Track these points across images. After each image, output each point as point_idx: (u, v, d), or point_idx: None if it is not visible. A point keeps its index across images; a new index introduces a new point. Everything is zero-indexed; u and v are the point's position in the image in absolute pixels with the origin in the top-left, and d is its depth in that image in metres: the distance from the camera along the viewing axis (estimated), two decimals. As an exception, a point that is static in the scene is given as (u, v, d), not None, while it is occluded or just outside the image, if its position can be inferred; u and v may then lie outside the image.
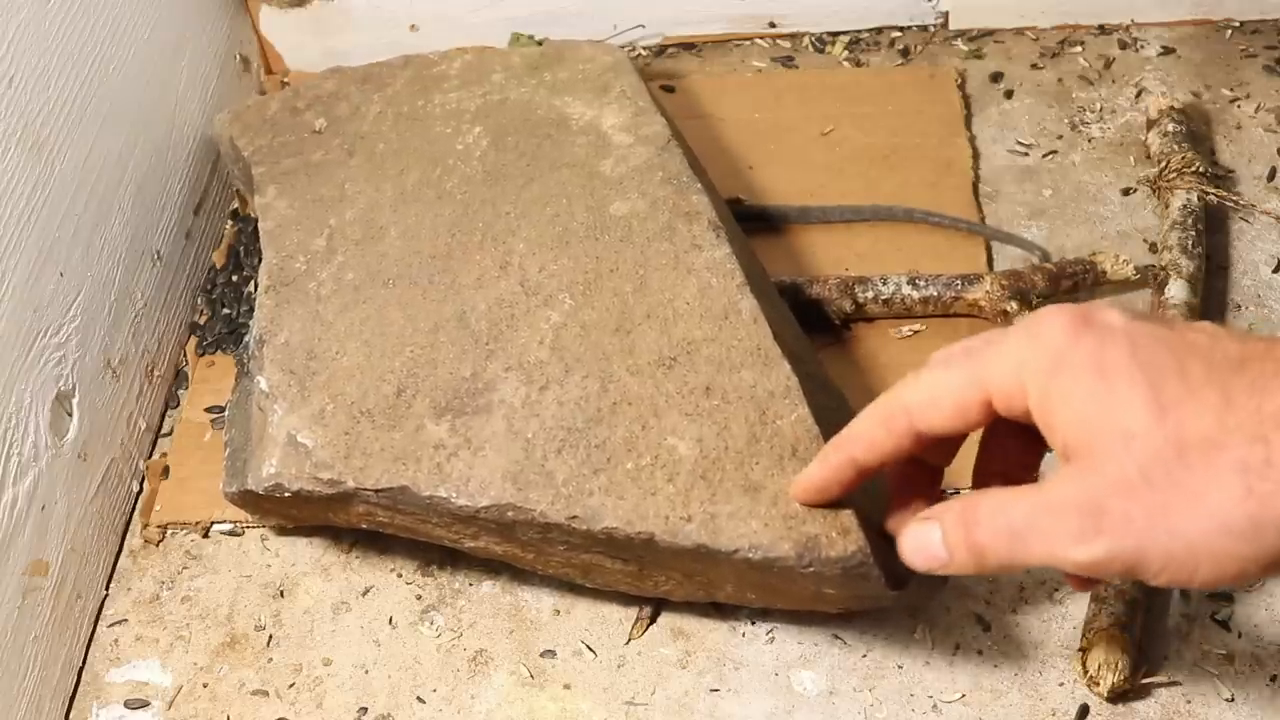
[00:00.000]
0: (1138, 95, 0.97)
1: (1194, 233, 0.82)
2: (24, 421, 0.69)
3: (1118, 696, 0.65)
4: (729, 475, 0.60)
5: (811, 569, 0.58)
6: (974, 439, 0.53)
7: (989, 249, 0.86)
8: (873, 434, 0.50)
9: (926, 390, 0.48)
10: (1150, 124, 0.91)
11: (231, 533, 0.78)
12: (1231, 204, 0.87)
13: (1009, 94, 0.98)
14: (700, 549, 0.59)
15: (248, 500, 0.70)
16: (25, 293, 0.70)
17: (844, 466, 0.52)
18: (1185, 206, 0.84)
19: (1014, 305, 0.79)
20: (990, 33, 1.03)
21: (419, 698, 0.70)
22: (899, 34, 1.04)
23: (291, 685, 0.71)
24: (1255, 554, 0.40)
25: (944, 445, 0.53)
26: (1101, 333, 0.43)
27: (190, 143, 0.91)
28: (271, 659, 0.72)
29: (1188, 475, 0.40)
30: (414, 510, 0.65)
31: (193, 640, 0.73)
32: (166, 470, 0.81)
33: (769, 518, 0.59)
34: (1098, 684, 0.64)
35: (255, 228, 0.79)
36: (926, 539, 0.48)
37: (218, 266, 0.92)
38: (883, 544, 0.57)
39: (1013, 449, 0.52)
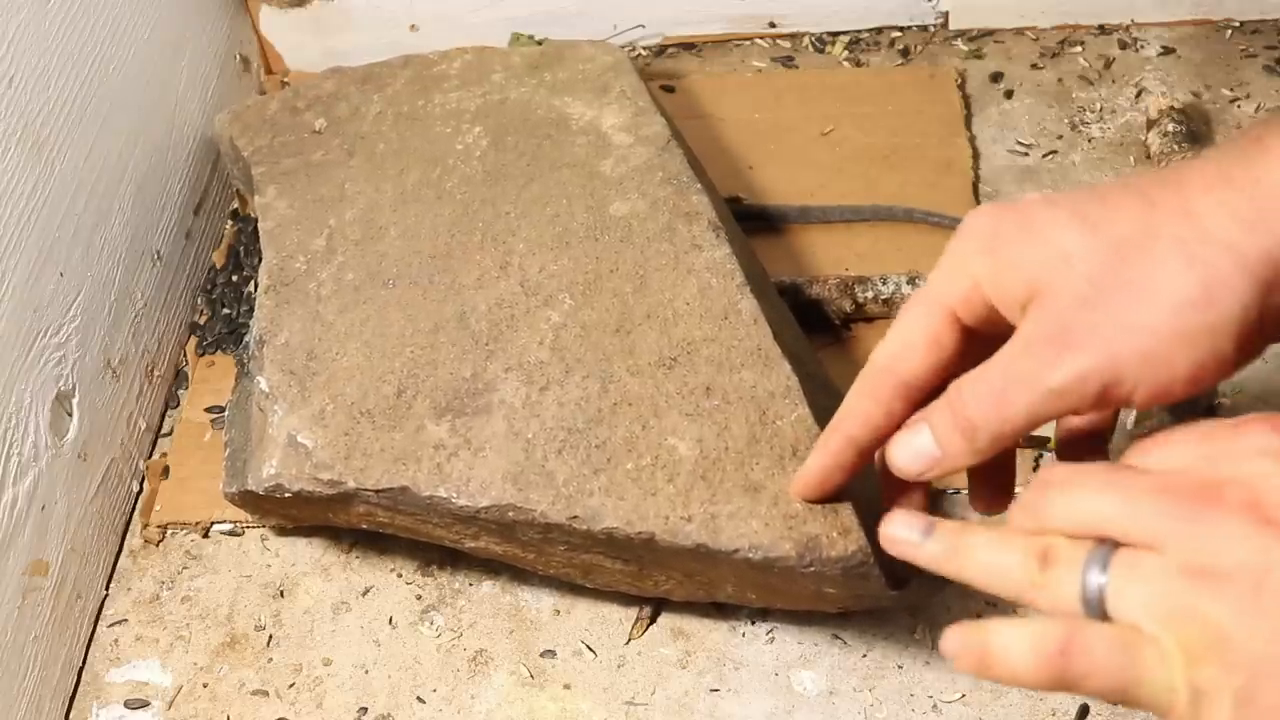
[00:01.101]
0: (1138, 95, 0.97)
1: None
2: (24, 421, 0.69)
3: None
4: (729, 475, 0.60)
5: (812, 569, 0.58)
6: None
7: (989, 249, 0.86)
8: (861, 406, 0.49)
9: (895, 340, 0.48)
10: (1150, 124, 0.91)
11: (231, 533, 0.78)
12: (1231, 204, 0.87)
13: (1009, 94, 0.98)
14: (700, 549, 0.59)
15: (248, 501, 0.70)
16: (25, 293, 0.70)
17: (843, 450, 0.50)
18: (1185, 206, 0.84)
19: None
20: (990, 33, 1.03)
21: (419, 698, 0.70)
22: (899, 34, 1.04)
23: (291, 685, 0.71)
24: (1218, 321, 0.40)
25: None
26: (1020, 203, 0.44)
27: (190, 143, 0.91)
28: (271, 659, 0.72)
29: (1132, 269, 0.41)
30: (414, 511, 0.65)
31: (193, 640, 0.73)
32: (166, 470, 0.81)
33: (769, 518, 0.59)
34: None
35: (255, 228, 0.79)
36: (916, 440, 0.47)
37: (218, 266, 0.92)
38: None
39: None
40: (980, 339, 0.46)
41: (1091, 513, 0.39)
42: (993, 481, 0.52)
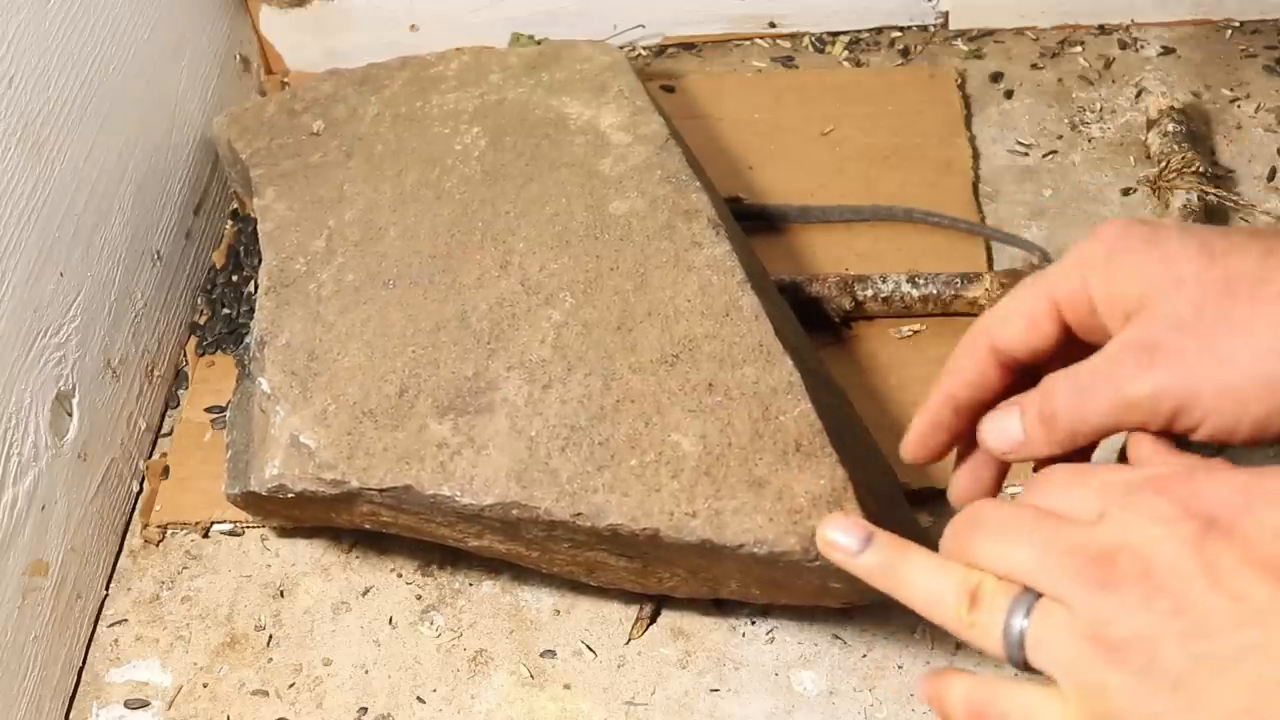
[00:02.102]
0: (1138, 95, 0.97)
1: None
2: (24, 421, 0.69)
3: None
4: (733, 471, 0.60)
5: (817, 563, 0.58)
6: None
7: (989, 249, 0.86)
8: (958, 363, 0.50)
9: (1000, 310, 0.49)
10: (1150, 124, 0.91)
11: (231, 533, 0.78)
12: (1231, 204, 0.87)
13: (1009, 94, 0.98)
14: (705, 545, 0.59)
15: (250, 502, 0.70)
16: (25, 293, 0.70)
17: (941, 406, 0.50)
18: (1185, 206, 0.84)
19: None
20: (990, 33, 1.03)
21: (419, 698, 0.69)
22: (899, 34, 1.04)
23: (291, 685, 0.71)
24: None
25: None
26: (1152, 222, 0.46)
27: (190, 143, 0.91)
28: (271, 659, 0.72)
29: (1236, 308, 0.42)
30: (418, 510, 0.65)
31: (193, 640, 0.73)
32: (166, 470, 0.81)
33: (774, 512, 0.59)
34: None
35: (255, 228, 0.79)
36: (1007, 422, 0.48)
37: (218, 266, 0.92)
38: None
39: None
40: (1077, 343, 0.47)
41: (1013, 563, 0.41)
42: None
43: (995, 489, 0.52)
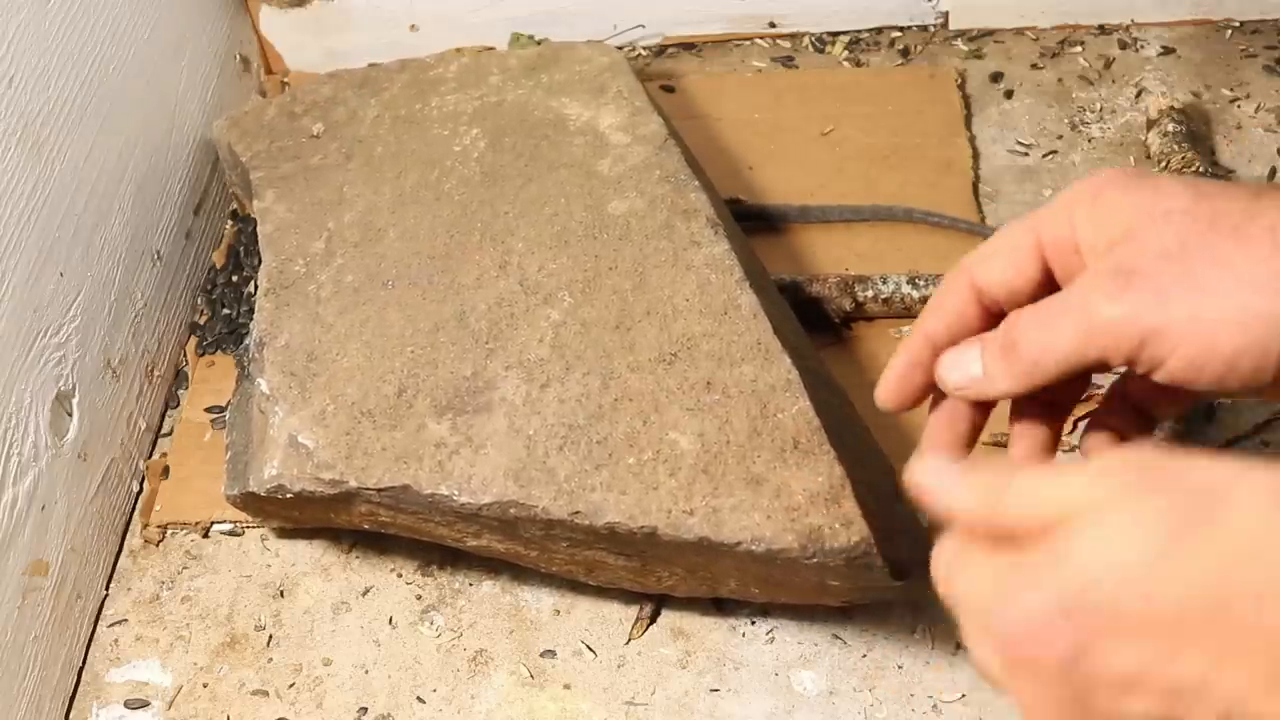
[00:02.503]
0: (1138, 95, 0.97)
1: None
2: (24, 421, 0.69)
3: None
4: (731, 469, 0.60)
5: (815, 560, 0.58)
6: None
7: (989, 248, 0.86)
8: (938, 301, 0.48)
9: (984, 248, 0.47)
10: (1150, 124, 0.91)
11: (231, 533, 0.78)
12: (1232, 203, 0.87)
13: (1009, 94, 0.98)
14: (703, 542, 0.59)
15: (250, 502, 0.70)
16: (25, 293, 0.70)
17: (919, 345, 0.48)
18: (1185, 206, 0.84)
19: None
20: (990, 33, 1.03)
21: (419, 698, 0.69)
22: (899, 34, 1.04)
23: (291, 685, 0.71)
24: (1277, 311, 0.39)
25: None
26: (1139, 168, 0.45)
27: (190, 143, 0.91)
28: (271, 659, 0.72)
29: (1220, 241, 0.41)
30: (416, 509, 0.65)
31: (193, 640, 0.73)
32: (166, 470, 0.81)
33: (772, 510, 0.59)
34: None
35: (255, 228, 0.79)
36: (964, 356, 0.46)
37: (218, 266, 0.92)
38: (885, 535, 0.57)
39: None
40: (1056, 290, 0.45)
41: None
42: (1035, 435, 0.50)
43: (971, 442, 0.49)
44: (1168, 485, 0.36)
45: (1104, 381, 0.49)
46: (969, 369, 0.46)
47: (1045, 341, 0.43)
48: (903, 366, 0.48)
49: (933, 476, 0.42)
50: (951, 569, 0.40)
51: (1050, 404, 0.48)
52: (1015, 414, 0.49)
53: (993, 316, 0.47)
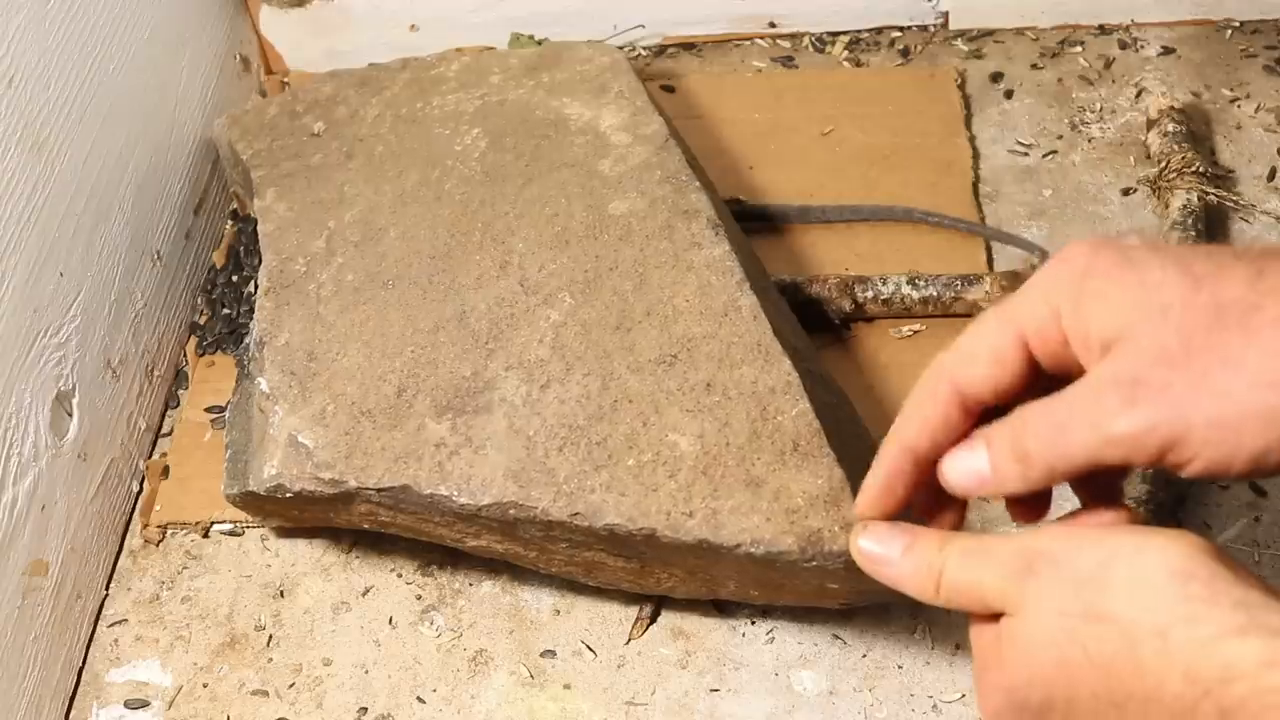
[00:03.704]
0: (1138, 95, 0.97)
1: (1194, 233, 0.82)
2: (24, 421, 0.69)
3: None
4: (730, 471, 0.60)
5: (814, 563, 0.58)
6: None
7: (989, 249, 0.86)
8: (918, 411, 0.46)
9: (961, 349, 0.46)
10: (1150, 124, 0.91)
11: (231, 533, 0.78)
12: (1231, 204, 0.87)
13: (1009, 94, 0.98)
14: (702, 544, 0.59)
15: (249, 502, 0.70)
16: (25, 293, 0.70)
17: (899, 457, 0.47)
18: (1185, 206, 0.84)
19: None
20: (990, 33, 1.03)
21: (419, 698, 0.69)
22: (899, 34, 1.04)
23: (291, 685, 0.71)
24: None
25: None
26: (1123, 243, 0.43)
27: (190, 143, 0.91)
28: (271, 659, 0.72)
29: (1227, 337, 0.39)
30: (416, 509, 0.65)
31: (193, 640, 0.73)
32: (166, 470, 0.81)
33: (771, 512, 0.59)
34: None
35: (255, 228, 0.79)
36: (972, 458, 0.45)
37: (218, 266, 0.92)
38: None
39: None
40: (1044, 377, 0.45)
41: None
42: (1032, 497, 0.49)
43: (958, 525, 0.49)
44: (1052, 578, 0.41)
45: None
46: (977, 470, 0.45)
47: (1059, 450, 0.42)
48: (884, 479, 0.47)
49: (879, 549, 0.46)
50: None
51: None
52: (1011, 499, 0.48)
53: (975, 415, 0.46)
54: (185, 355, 0.87)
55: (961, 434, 0.46)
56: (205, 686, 0.71)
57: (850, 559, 0.57)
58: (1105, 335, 0.41)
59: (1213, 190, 0.86)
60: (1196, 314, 0.40)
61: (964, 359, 0.45)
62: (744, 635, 0.70)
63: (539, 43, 1.00)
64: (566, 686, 0.69)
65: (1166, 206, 0.85)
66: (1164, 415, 0.39)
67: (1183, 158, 0.86)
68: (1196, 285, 0.40)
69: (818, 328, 0.80)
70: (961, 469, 0.45)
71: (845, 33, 1.04)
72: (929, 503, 0.48)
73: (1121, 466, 0.42)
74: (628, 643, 0.71)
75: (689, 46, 1.05)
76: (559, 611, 0.72)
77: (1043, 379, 0.44)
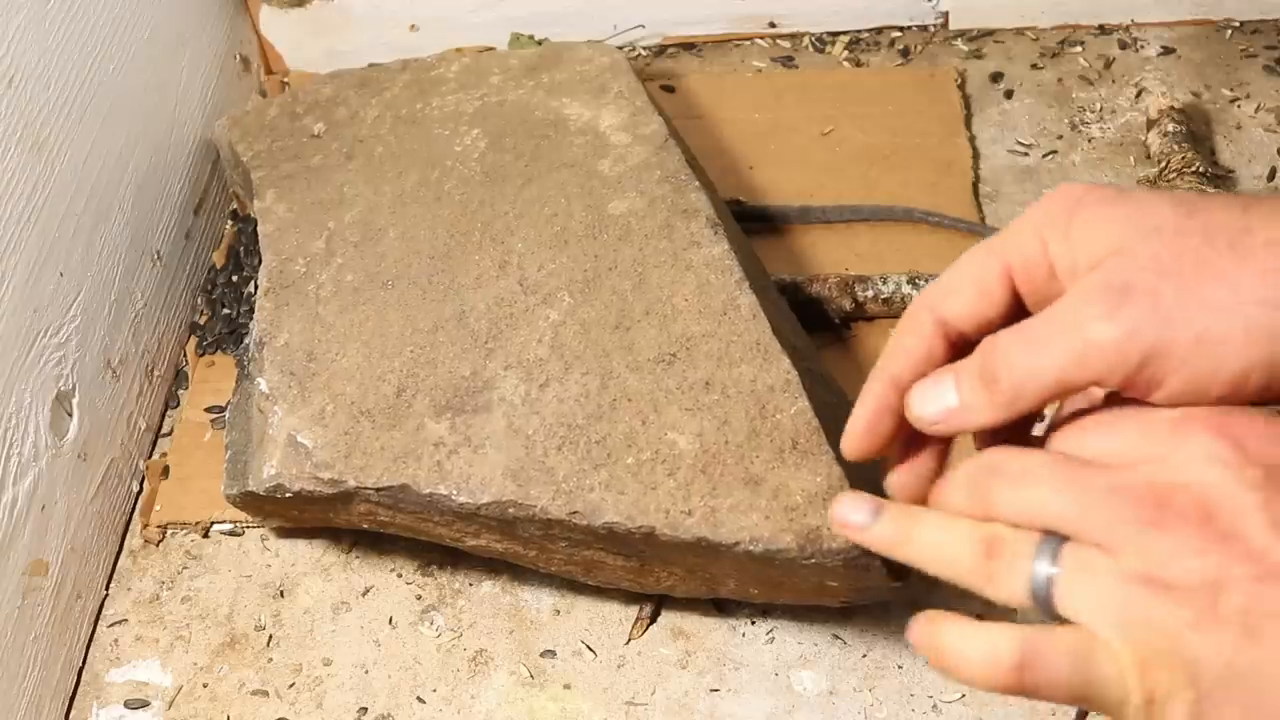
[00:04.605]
0: (1138, 95, 0.97)
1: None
2: (24, 421, 0.69)
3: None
4: (729, 469, 0.60)
5: (813, 561, 0.58)
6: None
7: (989, 248, 0.86)
8: (901, 342, 0.44)
9: (945, 280, 0.44)
10: (1150, 124, 0.91)
11: (231, 533, 0.78)
12: (1232, 203, 0.87)
13: (1009, 94, 0.98)
14: (701, 542, 0.59)
15: (249, 502, 0.70)
16: (25, 293, 0.70)
17: (884, 391, 0.45)
18: (1185, 206, 0.84)
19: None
20: (990, 33, 1.03)
21: (419, 698, 0.69)
22: (899, 34, 1.04)
23: (291, 685, 0.71)
24: None
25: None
26: (1112, 185, 0.42)
27: (190, 143, 0.91)
28: (271, 659, 0.72)
29: (1217, 256, 0.38)
30: (415, 509, 0.65)
31: (193, 640, 0.73)
32: (166, 470, 0.81)
33: (770, 510, 0.59)
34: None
35: (255, 228, 0.79)
36: (938, 387, 0.43)
37: (218, 266, 0.92)
38: None
39: None
40: (1026, 315, 0.43)
41: (1043, 509, 0.39)
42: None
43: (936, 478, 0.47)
44: None
45: None
46: (944, 400, 0.43)
47: (1030, 367, 0.40)
48: (869, 414, 0.45)
49: (853, 515, 0.44)
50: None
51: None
52: (980, 438, 0.46)
53: (961, 352, 0.44)
54: (185, 355, 0.87)
55: (945, 359, 0.44)
56: (205, 686, 0.71)
57: (848, 557, 0.57)
58: (1095, 255, 0.40)
59: (1213, 190, 0.86)
60: (1188, 235, 0.39)
61: (948, 290, 0.44)
62: (744, 635, 0.70)
63: (539, 43, 1.00)
64: (566, 686, 0.69)
65: (1167, 206, 0.85)
66: (1151, 321, 0.38)
67: (1183, 158, 0.86)
68: (1190, 211, 0.39)
69: (818, 327, 0.80)
70: (927, 399, 0.43)
71: (845, 33, 1.04)
72: (908, 447, 0.46)
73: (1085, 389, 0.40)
74: (628, 643, 0.71)
75: (689, 46, 1.05)
76: (559, 611, 0.72)
77: (1025, 315, 0.43)
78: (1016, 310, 0.43)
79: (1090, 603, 0.37)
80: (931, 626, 0.41)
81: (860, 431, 0.45)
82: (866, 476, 0.59)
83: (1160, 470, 0.37)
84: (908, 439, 0.46)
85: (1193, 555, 0.36)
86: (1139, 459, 0.38)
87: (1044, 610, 0.39)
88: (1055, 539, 0.38)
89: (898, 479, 0.46)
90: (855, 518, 0.44)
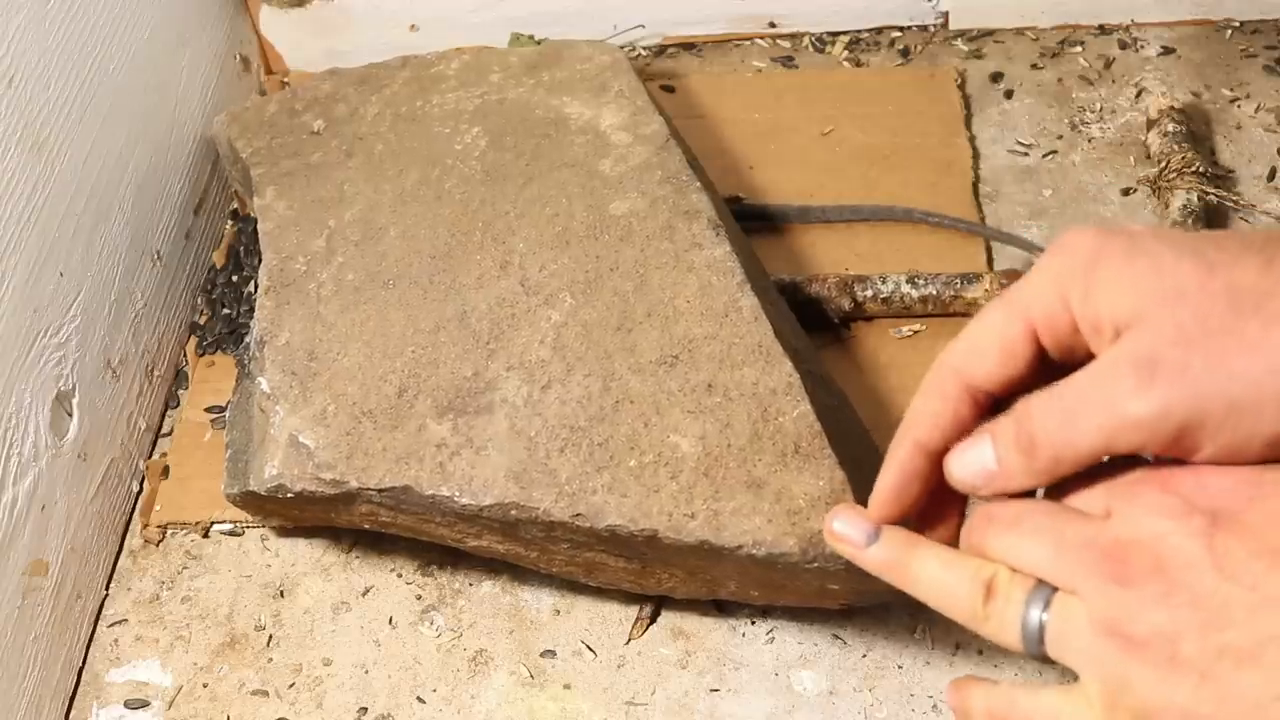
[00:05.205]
0: (1138, 95, 0.97)
1: (1194, 233, 0.82)
2: (24, 421, 0.69)
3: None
4: (732, 472, 0.60)
5: (815, 564, 0.58)
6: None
7: (989, 249, 0.86)
8: (928, 407, 0.45)
9: (967, 342, 0.44)
10: (1150, 124, 0.91)
11: (231, 533, 0.78)
12: (1231, 204, 0.87)
13: (1009, 94, 0.98)
14: (704, 546, 0.59)
15: (250, 502, 0.70)
16: (25, 293, 0.70)
17: (912, 456, 0.46)
18: (1185, 206, 0.84)
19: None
20: (990, 33, 1.03)
21: (419, 698, 0.69)
22: (899, 34, 1.04)
23: (291, 685, 0.71)
24: None
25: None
26: (1130, 230, 0.42)
27: (190, 143, 0.91)
28: (271, 659, 0.72)
29: (1243, 322, 0.39)
30: (417, 510, 0.65)
31: (193, 640, 0.73)
32: (166, 470, 0.81)
33: (772, 514, 0.59)
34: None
35: (255, 228, 0.79)
36: (975, 452, 0.44)
37: (218, 266, 0.92)
38: None
39: None
40: (1052, 366, 0.44)
41: (1027, 558, 0.41)
42: None
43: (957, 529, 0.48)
44: None
45: None
46: (984, 464, 0.44)
47: (1067, 438, 0.41)
48: (896, 480, 0.46)
49: (851, 533, 0.46)
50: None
51: None
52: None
53: (984, 408, 0.45)
54: (185, 355, 0.87)
55: (971, 428, 0.45)
56: (205, 686, 0.71)
57: (850, 561, 0.57)
58: (1119, 318, 0.40)
59: (1213, 190, 0.86)
60: (1212, 298, 0.39)
61: (972, 352, 0.44)
62: (744, 635, 0.70)
63: (538, 43, 1.00)
64: (566, 686, 0.69)
65: (1166, 206, 0.85)
66: (1183, 396, 0.39)
67: (1183, 158, 0.87)
68: (1210, 271, 0.39)
69: (818, 327, 0.80)
70: (968, 463, 0.44)
71: (845, 33, 1.04)
72: (928, 508, 0.48)
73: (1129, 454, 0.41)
74: (628, 643, 0.71)
75: (689, 46, 1.05)
76: (559, 611, 0.72)
77: (1049, 369, 0.43)
78: (1041, 362, 0.43)
79: (1075, 652, 0.40)
80: (961, 690, 0.44)
81: (888, 499, 0.47)
82: (869, 482, 0.59)
83: (1121, 525, 0.39)
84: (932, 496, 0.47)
85: (1148, 608, 0.38)
86: (1108, 511, 0.40)
87: (1036, 656, 0.41)
88: (1048, 587, 0.40)
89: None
90: (852, 535, 0.46)
